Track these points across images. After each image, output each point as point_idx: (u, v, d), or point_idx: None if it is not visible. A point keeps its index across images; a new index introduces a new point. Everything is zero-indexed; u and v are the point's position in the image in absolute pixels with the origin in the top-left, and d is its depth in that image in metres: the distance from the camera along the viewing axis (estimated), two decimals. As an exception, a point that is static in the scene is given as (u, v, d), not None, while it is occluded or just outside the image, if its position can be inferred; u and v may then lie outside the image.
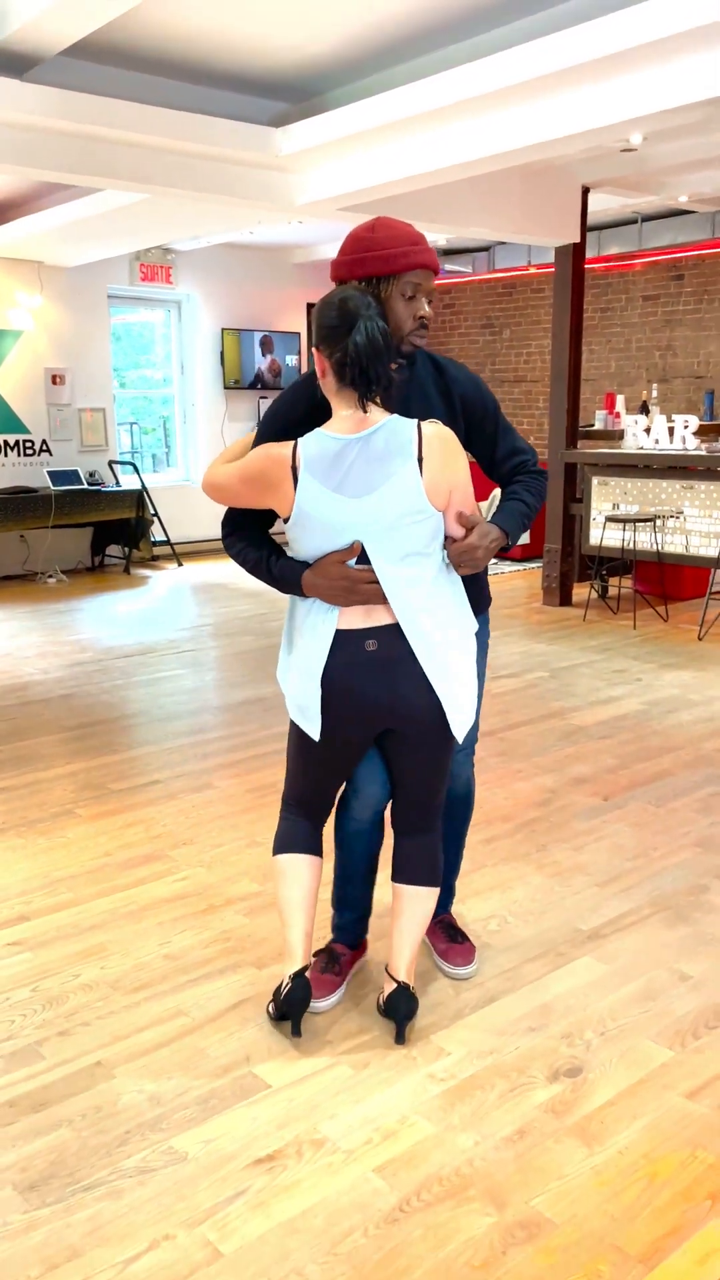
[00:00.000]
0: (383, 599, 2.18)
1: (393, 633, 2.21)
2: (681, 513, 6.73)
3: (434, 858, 2.43)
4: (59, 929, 2.96)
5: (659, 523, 6.84)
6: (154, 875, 3.29)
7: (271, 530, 2.39)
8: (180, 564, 9.57)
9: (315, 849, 2.45)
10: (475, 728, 2.63)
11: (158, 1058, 2.36)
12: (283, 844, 2.45)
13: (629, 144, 5.84)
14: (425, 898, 2.42)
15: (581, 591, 7.82)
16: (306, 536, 2.18)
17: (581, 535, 7.34)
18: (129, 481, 9.52)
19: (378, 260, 2.20)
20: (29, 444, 9.17)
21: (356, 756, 2.38)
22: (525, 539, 9.19)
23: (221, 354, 10.28)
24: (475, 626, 2.35)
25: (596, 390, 9.86)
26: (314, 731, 2.30)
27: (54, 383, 9.23)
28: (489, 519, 2.31)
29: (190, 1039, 2.43)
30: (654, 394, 8.73)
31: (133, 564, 9.59)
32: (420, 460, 2.12)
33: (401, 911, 2.42)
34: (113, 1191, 1.96)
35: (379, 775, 2.47)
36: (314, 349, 2.17)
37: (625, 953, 2.77)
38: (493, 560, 2.31)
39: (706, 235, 8.46)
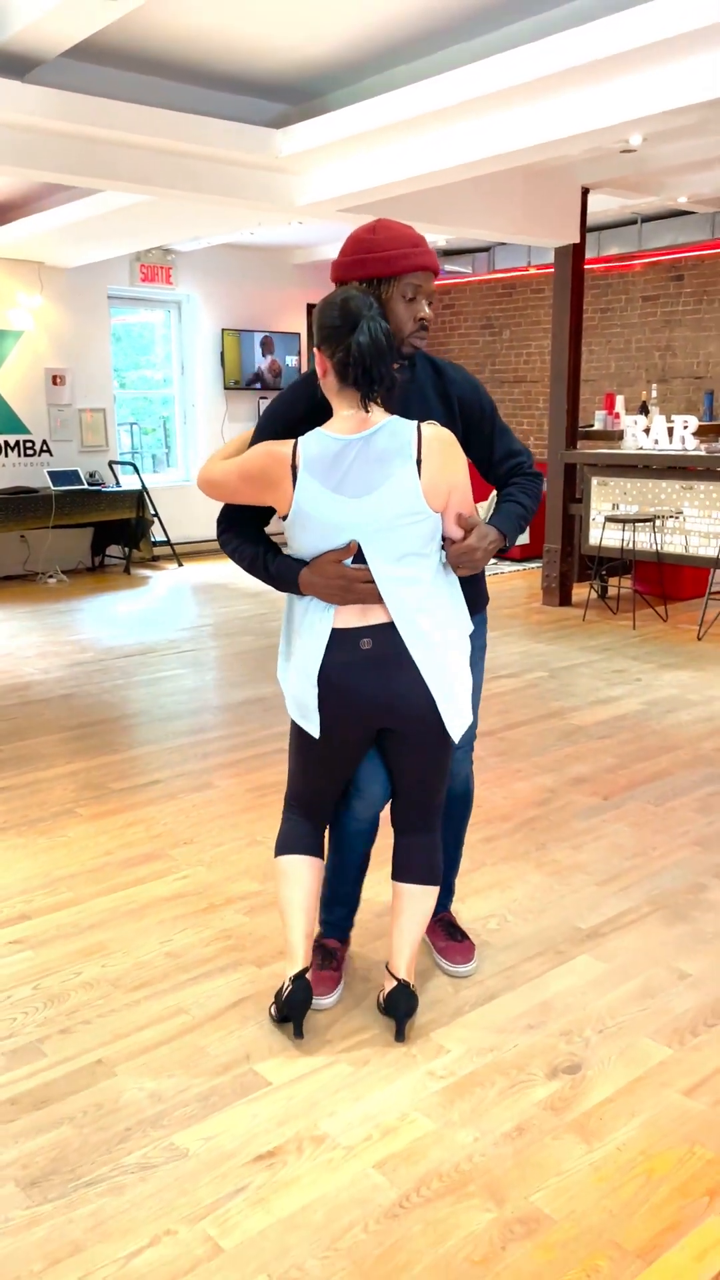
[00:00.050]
0: (378, 598, 2.19)
1: (388, 632, 2.22)
2: (681, 513, 6.74)
3: (434, 856, 2.44)
4: (60, 928, 2.97)
5: (658, 523, 6.85)
6: (154, 874, 3.30)
7: (269, 529, 2.40)
8: (180, 564, 9.59)
9: (316, 850, 2.46)
10: (474, 725, 2.64)
11: (158, 1055, 2.37)
12: (284, 845, 2.46)
13: (629, 145, 5.86)
14: (425, 896, 2.43)
15: (581, 592, 7.83)
16: (304, 535, 2.20)
17: (581, 535, 7.35)
18: (129, 482, 9.53)
19: (379, 262, 2.21)
20: (29, 444, 9.18)
21: (356, 756, 2.39)
22: (525, 539, 9.22)
23: (221, 354, 10.29)
24: (471, 627, 2.37)
25: (596, 391, 9.88)
26: (313, 729, 2.31)
27: (54, 383, 9.25)
28: (487, 521, 2.32)
29: (191, 1037, 2.44)
30: (653, 394, 8.74)
31: (133, 564, 9.60)
32: (419, 462, 2.13)
33: (402, 910, 2.43)
34: (114, 1188, 1.98)
35: (381, 775, 2.48)
36: (315, 349, 2.18)
37: (624, 951, 2.79)
38: (491, 560, 2.32)
39: (706, 236, 8.48)
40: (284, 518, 2.22)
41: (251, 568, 2.31)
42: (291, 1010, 2.37)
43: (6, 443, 9.03)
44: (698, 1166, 2.00)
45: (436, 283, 2.62)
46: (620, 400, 8.22)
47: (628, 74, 4.25)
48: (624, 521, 6.74)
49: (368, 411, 2.15)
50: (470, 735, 2.64)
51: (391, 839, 2.71)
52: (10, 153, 4.87)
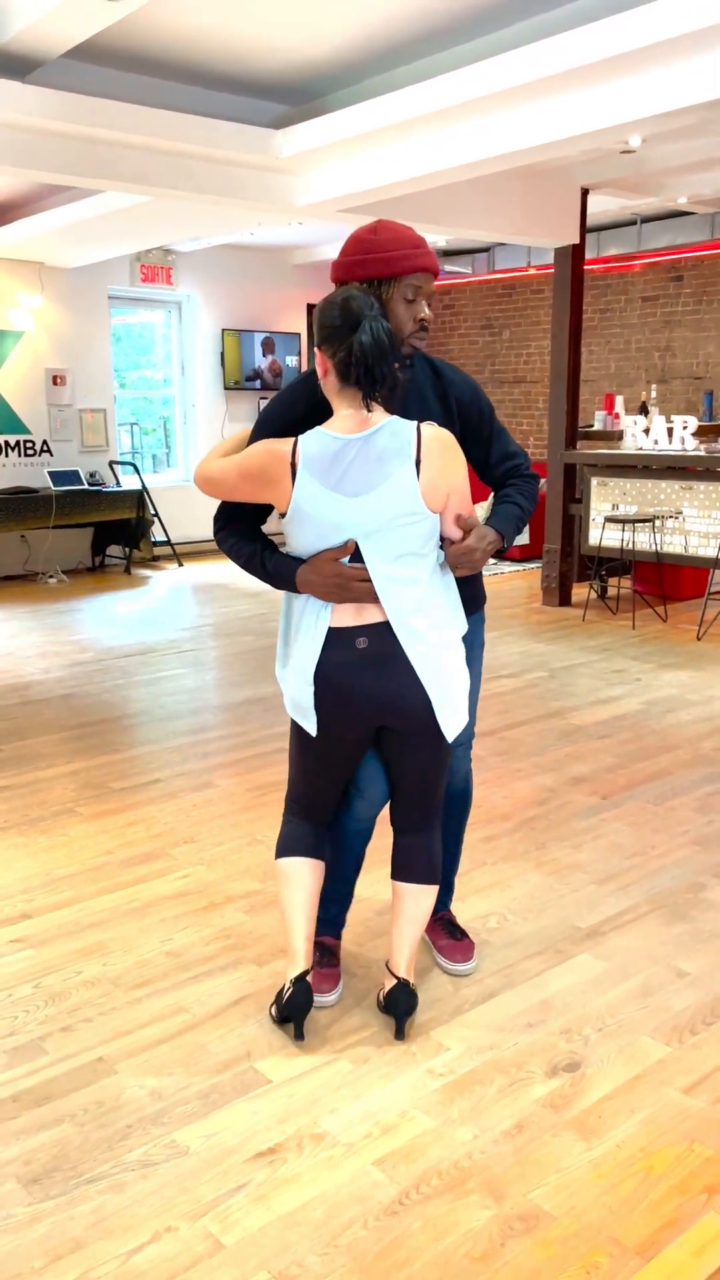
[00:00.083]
0: (374, 598, 2.20)
1: (383, 631, 2.23)
2: (680, 513, 6.75)
3: (433, 856, 2.45)
4: (61, 926, 2.98)
5: (658, 523, 6.86)
6: (155, 873, 3.31)
7: (268, 529, 2.41)
8: (181, 564, 9.60)
9: (317, 852, 2.46)
10: (472, 723, 2.65)
11: (159, 1053, 2.38)
12: (285, 847, 2.46)
13: (628, 146, 5.87)
14: (425, 895, 2.44)
15: (581, 592, 7.84)
16: (302, 533, 2.20)
17: (581, 535, 7.36)
18: (129, 482, 9.54)
19: (379, 262, 2.22)
20: (30, 444, 9.19)
21: (355, 756, 2.39)
22: (525, 539, 9.23)
23: (222, 355, 10.30)
24: (466, 628, 2.37)
25: (596, 391, 9.89)
26: (310, 727, 2.32)
27: (55, 383, 9.25)
28: (485, 522, 2.33)
29: (191, 1035, 2.45)
30: (653, 395, 8.75)
31: (133, 564, 9.61)
32: (418, 462, 2.14)
33: (401, 909, 2.44)
34: (115, 1185, 1.98)
35: (382, 776, 2.49)
36: (316, 349, 2.19)
37: (623, 950, 2.79)
38: (491, 560, 2.33)
39: (705, 236, 8.49)
40: (283, 515, 2.23)
41: (248, 565, 2.32)
42: (293, 1012, 2.37)
43: (7, 443, 9.04)
44: (696, 1164, 2.01)
45: (436, 283, 2.64)
46: (620, 400, 8.23)
47: (627, 75, 4.26)
48: (623, 522, 6.75)
49: (369, 411, 2.15)
50: (468, 734, 2.65)
51: (390, 838, 2.73)
52: (11, 153, 4.88)
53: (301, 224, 7.93)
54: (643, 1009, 2.52)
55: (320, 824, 2.49)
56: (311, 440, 2.16)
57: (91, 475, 9.40)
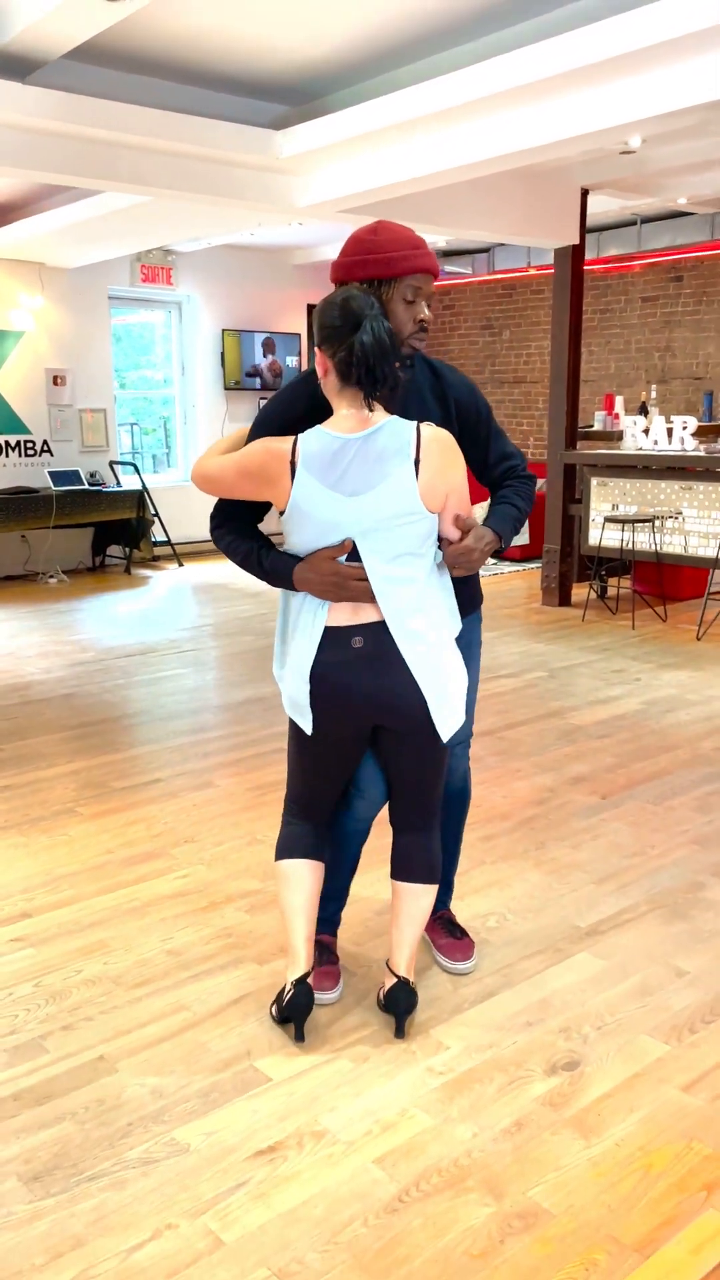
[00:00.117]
0: (371, 597, 2.20)
1: (379, 630, 2.23)
2: (680, 513, 6.76)
3: (433, 855, 2.45)
4: (61, 925, 2.98)
5: (658, 523, 6.87)
6: (155, 872, 3.31)
7: (266, 530, 2.41)
8: (181, 564, 9.60)
9: (317, 853, 2.46)
10: (470, 722, 2.66)
11: (160, 1052, 2.39)
12: (284, 849, 2.47)
13: (628, 147, 5.87)
14: (424, 894, 2.44)
15: (580, 592, 7.84)
16: (301, 532, 2.21)
17: (580, 536, 7.37)
18: (130, 482, 9.55)
19: (380, 263, 2.23)
20: (30, 444, 9.20)
21: (353, 755, 2.40)
22: (525, 539, 9.23)
23: (222, 355, 10.31)
24: (460, 628, 2.38)
25: (596, 391, 9.89)
26: (306, 725, 2.32)
27: (55, 383, 9.26)
28: (483, 523, 2.34)
29: (192, 1033, 2.46)
30: (653, 395, 8.76)
31: (133, 564, 9.62)
32: (417, 462, 2.14)
33: (401, 908, 2.45)
34: (116, 1182, 1.99)
35: (382, 775, 2.50)
36: (316, 348, 2.19)
37: (622, 949, 2.80)
38: (491, 560, 2.34)
39: (705, 237, 8.49)
40: (282, 513, 2.23)
41: (245, 563, 2.32)
42: (294, 1013, 2.38)
43: (7, 443, 9.04)
44: (695, 1162, 2.02)
45: (436, 284, 2.64)
46: (620, 401, 8.24)
47: (627, 76, 4.27)
48: (623, 522, 6.75)
49: (371, 410, 2.16)
50: (466, 733, 2.66)
51: (389, 838, 2.74)
52: (12, 154, 4.89)
53: (301, 224, 7.94)
54: (642, 1008, 2.53)
55: (320, 825, 2.49)
56: (311, 439, 2.16)
57: (92, 475, 9.41)
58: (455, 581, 2.42)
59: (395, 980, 2.43)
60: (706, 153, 6.18)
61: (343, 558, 2.20)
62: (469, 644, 2.56)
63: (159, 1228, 1.88)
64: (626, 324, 9.63)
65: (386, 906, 3.04)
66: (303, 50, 4.62)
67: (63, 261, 8.88)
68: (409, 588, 2.22)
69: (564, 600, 7.46)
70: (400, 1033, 2.42)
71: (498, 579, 8.68)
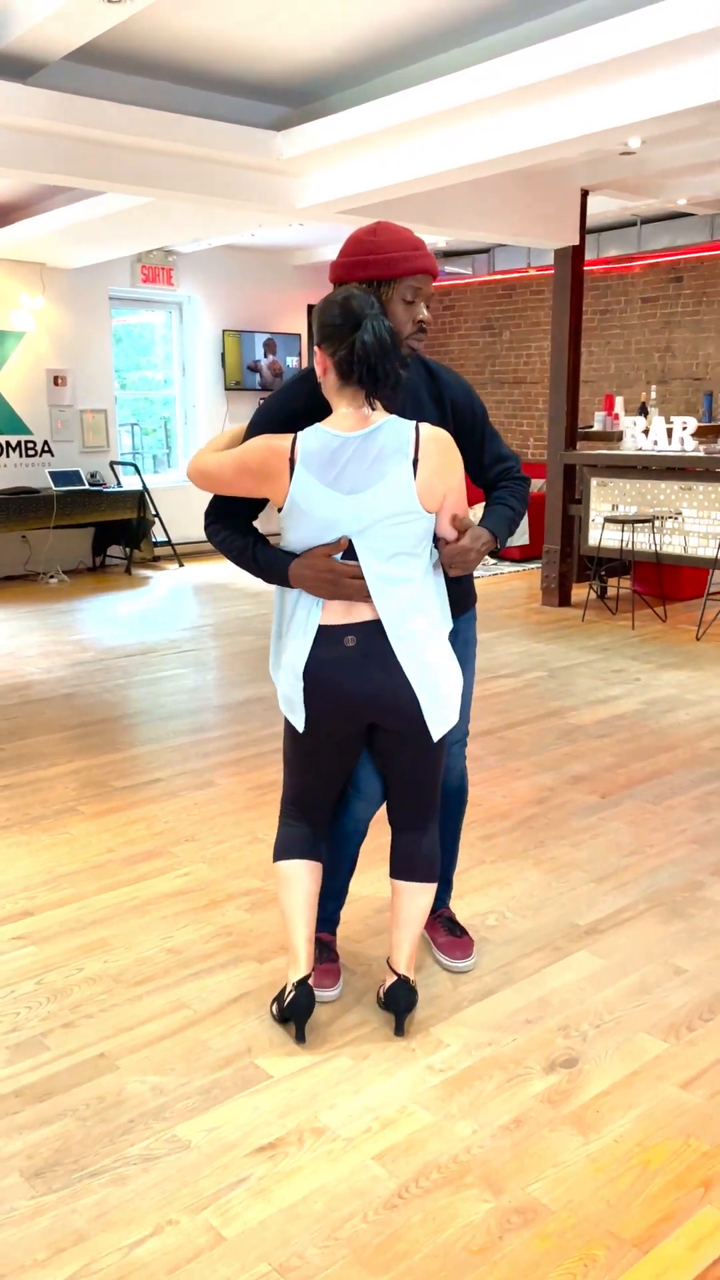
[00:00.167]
0: (366, 595, 2.21)
1: (372, 629, 2.24)
2: (680, 514, 6.77)
3: (431, 853, 2.46)
4: (63, 924, 2.99)
5: (657, 524, 6.88)
6: (156, 871, 3.32)
7: (265, 529, 2.42)
8: (181, 564, 9.61)
9: (315, 854, 2.47)
10: (466, 720, 2.67)
11: (160, 1049, 2.40)
12: (282, 850, 2.47)
13: (628, 148, 5.89)
14: (423, 893, 2.45)
15: (580, 592, 7.86)
16: (298, 529, 2.22)
17: (580, 536, 7.38)
18: (130, 482, 9.56)
19: (379, 264, 2.24)
20: (31, 445, 9.21)
21: (348, 754, 2.40)
22: (525, 540, 9.24)
23: (222, 355, 10.32)
24: (450, 627, 2.39)
25: (596, 392, 9.91)
26: (298, 722, 2.33)
27: (56, 384, 9.27)
28: (479, 523, 2.35)
29: (192, 1031, 2.47)
30: (653, 395, 8.77)
31: (134, 564, 9.63)
32: (415, 462, 2.15)
33: (400, 907, 2.46)
34: (117, 1178, 2.00)
35: (379, 774, 2.51)
36: (315, 347, 2.20)
37: (621, 947, 2.81)
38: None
39: (705, 238, 8.50)
40: (279, 510, 2.24)
41: (240, 559, 2.32)
42: (294, 1014, 2.38)
43: (8, 443, 9.06)
44: (693, 1158, 2.03)
45: (436, 284, 2.65)
46: (619, 401, 8.25)
47: (627, 77, 4.28)
48: (623, 522, 6.76)
49: (372, 409, 2.17)
50: (463, 731, 2.67)
51: (388, 837, 2.75)
52: (13, 155, 4.90)
53: (302, 225, 7.95)
54: (640, 1006, 2.54)
55: (317, 825, 2.49)
56: (311, 436, 2.17)
57: (92, 476, 9.42)
58: (449, 580, 2.43)
59: (395, 978, 2.44)
60: (706, 154, 6.19)
61: (338, 555, 2.20)
62: (465, 642, 2.57)
63: (160, 1223, 1.89)
64: (626, 325, 9.64)
65: (386, 905, 3.05)
66: (303, 51, 4.64)
67: (63, 262, 8.89)
68: (406, 587, 2.23)
69: (564, 600, 7.48)
70: (400, 1030, 2.43)
71: (498, 579, 8.69)
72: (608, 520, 6.83)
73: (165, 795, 3.97)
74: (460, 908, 3.04)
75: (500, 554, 9.46)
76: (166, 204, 6.40)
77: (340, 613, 2.24)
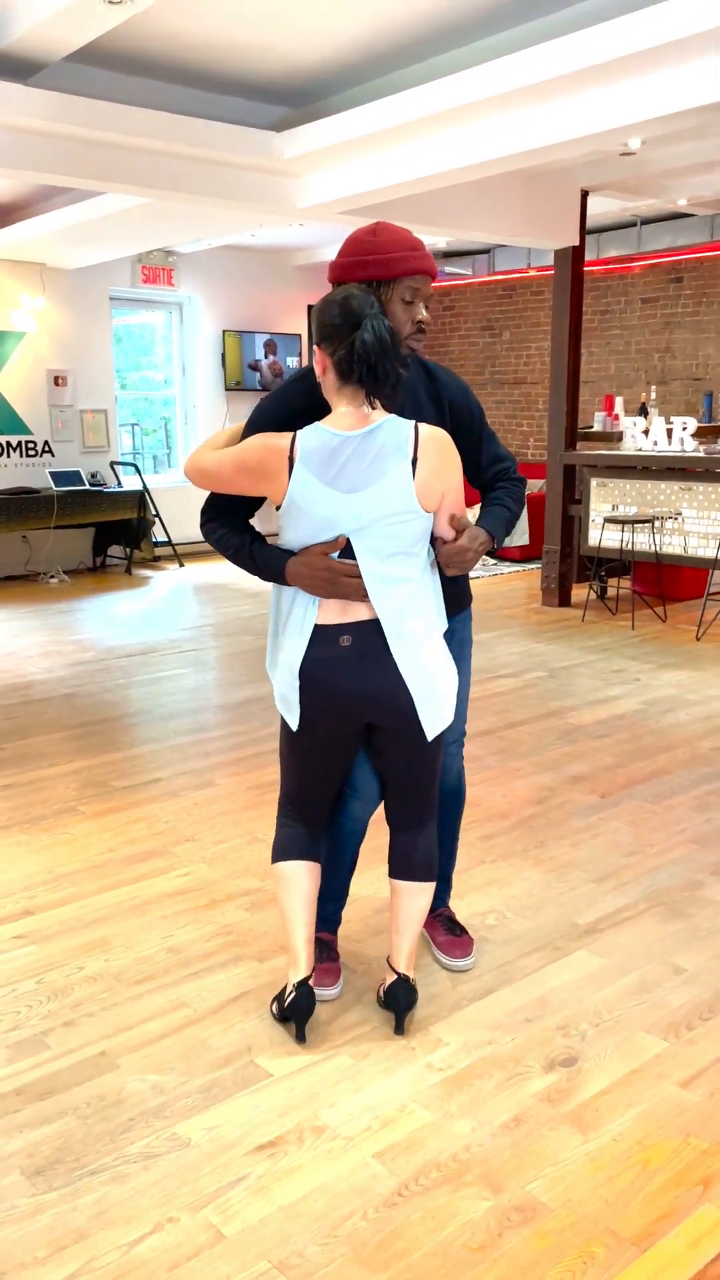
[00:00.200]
0: (362, 595, 2.21)
1: (367, 629, 2.24)
2: (680, 514, 6.78)
3: (429, 852, 2.46)
4: (63, 923, 3.00)
5: (657, 524, 6.88)
6: (156, 871, 3.33)
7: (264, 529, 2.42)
8: (182, 564, 9.62)
9: (313, 854, 2.47)
10: (463, 721, 2.67)
11: (161, 1048, 2.40)
12: (280, 851, 2.47)
13: (628, 148, 5.89)
14: (422, 892, 2.46)
15: (580, 592, 7.86)
16: (296, 527, 2.22)
17: (580, 536, 7.38)
18: (130, 482, 9.57)
19: (379, 264, 2.24)
20: (31, 445, 9.21)
21: (344, 753, 2.40)
22: (525, 540, 9.25)
23: (223, 355, 10.32)
24: (445, 626, 2.39)
25: (596, 392, 9.91)
26: (292, 721, 2.33)
27: (56, 384, 9.28)
28: (476, 523, 2.36)
29: (192, 1030, 2.47)
30: (653, 396, 8.78)
31: (134, 564, 9.64)
32: (414, 461, 2.16)
33: (399, 906, 2.46)
34: (117, 1176, 2.01)
35: (376, 774, 2.51)
36: (315, 346, 2.20)
37: (621, 947, 2.82)
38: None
39: (705, 238, 8.51)
40: (278, 508, 2.24)
41: (236, 556, 2.32)
42: (295, 1015, 2.39)
43: (8, 443, 9.06)
44: (692, 1156, 2.04)
45: (437, 284, 2.66)
46: (619, 402, 8.26)
47: (627, 78, 4.28)
48: (623, 522, 6.77)
49: (373, 408, 2.17)
50: (459, 731, 2.67)
51: (387, 836, 2.76)
52: (13, 155, 4.91)
53: (302, 225, 7.96)
54: (640, 1005, 2.55)
55: (315, 825, 2.49)
56: (310, 435, 2.17)
57: (93, 476, 9.43)
58: (445, 580, 2.44)
59: (395, 977, 2.45)
60: (706, 154, 6.20)
61: (335, 554, 2.20)
62: (460, 642, 2.57)
63: (160, 1221, 1.89)
64: (626, 325, 9.65)
65: (386, 904, 3.06)
66: (303, 52, 4.64)
67: (64, 262, 8.90)
68: (403, 587, 2.23)
69: (564, 600, 7.48)
70: (400, 1029, 2.43)
71: (498, 579, 8.69)
72: (608, 520, 6.83)
73: (165, 795, 3.98)
74: (460, 907, 3.04)
75: (499, 554, 9.46)
76: (167, 205, 6.40)
77: (336, 612, 2.25)
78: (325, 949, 2.67)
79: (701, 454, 6.67)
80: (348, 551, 2.21)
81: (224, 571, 9.24)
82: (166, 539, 9.69)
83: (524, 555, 9.41)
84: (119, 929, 2.96)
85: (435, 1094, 2.22)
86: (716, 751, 4.37)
